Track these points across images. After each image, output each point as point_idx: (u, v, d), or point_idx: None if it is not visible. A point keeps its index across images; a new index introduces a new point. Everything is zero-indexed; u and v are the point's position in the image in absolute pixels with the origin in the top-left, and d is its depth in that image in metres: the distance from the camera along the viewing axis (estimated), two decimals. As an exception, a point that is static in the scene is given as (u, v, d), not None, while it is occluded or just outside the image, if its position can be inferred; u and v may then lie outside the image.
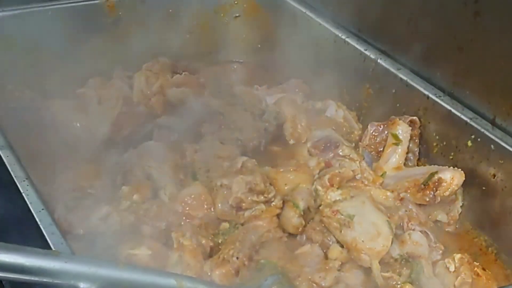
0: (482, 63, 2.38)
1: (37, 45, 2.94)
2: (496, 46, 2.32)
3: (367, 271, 2.16)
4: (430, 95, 2.53)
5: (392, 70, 2.68)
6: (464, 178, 2.34)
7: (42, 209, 1.93)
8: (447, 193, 2.34)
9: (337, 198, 2.30)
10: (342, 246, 2.20)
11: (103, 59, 3.04)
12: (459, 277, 2.12)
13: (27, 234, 1.92)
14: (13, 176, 2.05)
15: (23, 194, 1.98)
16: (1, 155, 2.14)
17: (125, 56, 3.07)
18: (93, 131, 2.69)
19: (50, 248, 1.80)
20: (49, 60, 2.96)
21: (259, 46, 3.31)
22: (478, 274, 2.13)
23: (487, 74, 2.36)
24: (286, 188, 2.38)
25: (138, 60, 3.02)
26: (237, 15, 3.29)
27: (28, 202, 1.96)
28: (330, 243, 2.23)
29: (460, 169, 2.35)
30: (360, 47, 2.82)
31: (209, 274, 2.08)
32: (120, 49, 3.09)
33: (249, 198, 2.27)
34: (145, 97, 2.86)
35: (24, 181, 2.04)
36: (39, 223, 1.89)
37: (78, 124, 2.71)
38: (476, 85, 2.42)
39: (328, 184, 2.35)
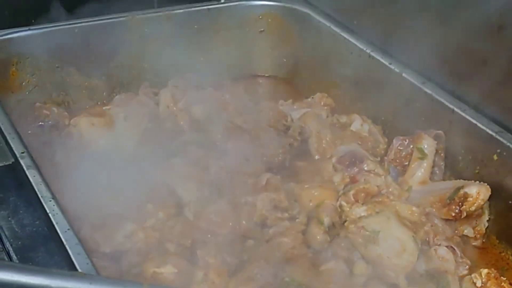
0: (507, 76, 2.37)
1: (63, 62, 2.97)
2: (521, 59, 2.31)
3: (393, 287, 2.15)
4: (455, 109, 2.51)
5: (417, 83, 2.67)
6: (490, 193, 2.32)
7: (68, 229, 1.95)
8: (473, 208, 2.32)
9: (362, 214, 2.30)
10: (367, 262, 2.20)
11: (129, 75, 3.07)
12: (486, 293, 2.11)
13: (54, 254, 1.93)
14: (39, 196, 2.07)
15: (50, 214, 2.00)
16: (28, 175, 2.15)
17: (151, 73, 3.10)
18: (119, 148, 2.70)
19: (76, 268, 1.82)
20: (75, 78, 3.00)
21: (284, 60, 3.31)
22: (505, 289, 2.12)
23: (512, 88, 2.36)
24: (310, 204, 2.38)
25: (164, 77, 3.02)
26: (261, 29, 3.29)
27: (54, 222, 1.97)
28: (355, 259, 2.22)
29: (486, 184, 2.34)
30: (384, 61, 2.81)
31: (234, 292, 2.08)
32: (146, 66, 3.11)
33: (273, 215, 2.28)
34: (171, 114, 2.86)
35: (50, 201, 2.05)
36: (65, 243, 1.90)
37: (104, 141, 2.72)
38: (502, 98, 2.41)
39: (353, 199, 2.35)
